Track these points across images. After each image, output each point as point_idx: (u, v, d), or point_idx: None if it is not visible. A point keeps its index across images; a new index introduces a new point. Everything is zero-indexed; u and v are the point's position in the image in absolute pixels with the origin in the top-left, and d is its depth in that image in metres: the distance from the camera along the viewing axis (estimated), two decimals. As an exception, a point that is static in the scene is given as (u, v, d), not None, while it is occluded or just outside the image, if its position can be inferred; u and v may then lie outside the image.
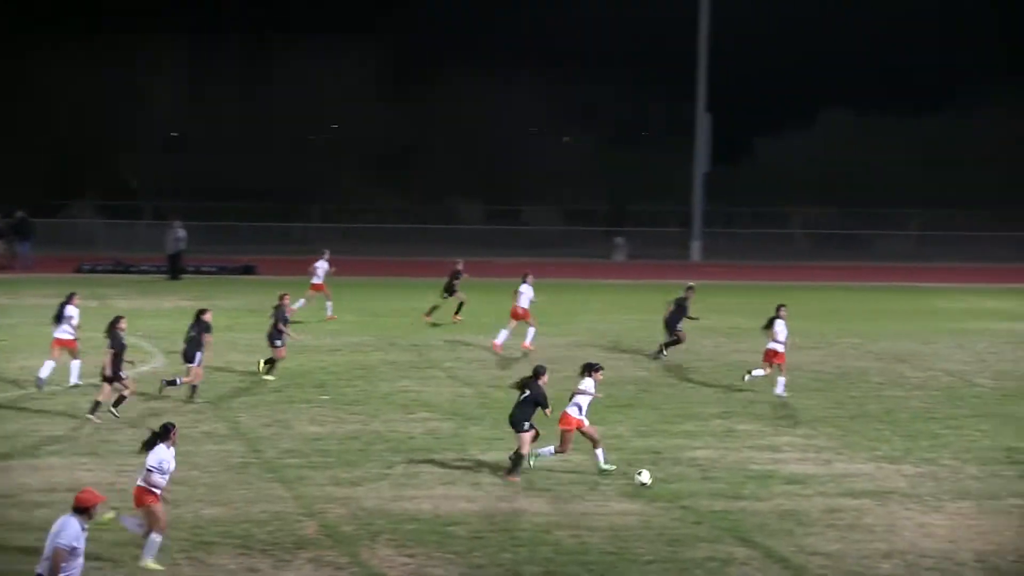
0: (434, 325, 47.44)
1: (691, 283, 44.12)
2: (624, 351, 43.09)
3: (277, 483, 25.72)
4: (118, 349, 30.77)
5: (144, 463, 20.67)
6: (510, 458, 26.50)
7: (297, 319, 44.28)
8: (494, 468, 26.85)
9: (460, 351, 42.08)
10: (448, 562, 21.13)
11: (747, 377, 36.32)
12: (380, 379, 36.84)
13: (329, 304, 48.76)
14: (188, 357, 33.16)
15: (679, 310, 42.06)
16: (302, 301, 47.68)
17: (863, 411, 34.01)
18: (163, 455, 20.52)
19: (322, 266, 48.94)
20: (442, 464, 27.21)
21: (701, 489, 25.73)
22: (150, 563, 20.42)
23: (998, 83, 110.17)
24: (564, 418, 26.52)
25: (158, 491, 20.49)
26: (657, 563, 21.15)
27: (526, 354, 41.20)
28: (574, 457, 28.00)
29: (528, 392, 26.55)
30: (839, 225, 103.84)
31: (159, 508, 20.49)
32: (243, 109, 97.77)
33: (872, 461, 28.41)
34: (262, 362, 36.91)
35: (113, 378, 30.66)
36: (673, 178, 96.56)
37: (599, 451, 26.60)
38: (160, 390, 33.18)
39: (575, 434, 26.45)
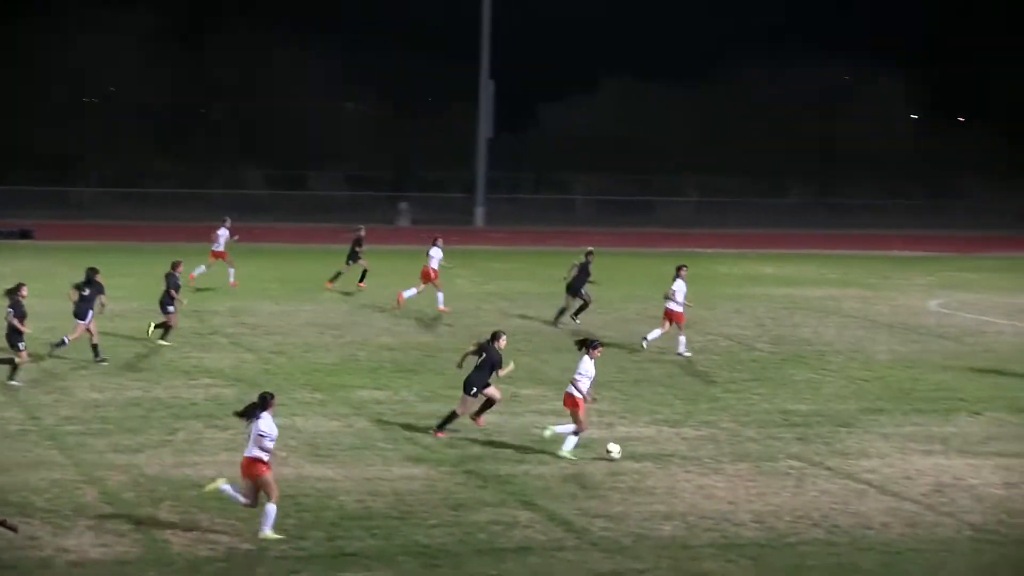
0: (346, 294, 47.66)
1: (590, 248, 44.32)
2: (408, 316, 43.04)
3: (56, 450, 25.21)
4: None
5: (251, 434, 20.56)
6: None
7: (203, 286, 45.43)
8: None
9: (243, 317, 41.67)
10: (232, 528, 20.91)
11: (645, 343, 37.24)
12: (162, 345, 36.27)
13: (232, 271, 48.41)
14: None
15: (582, 273, 42.30)
16: (202, 268, 47.83)
17: (645, 375, 34.44)
18: (270, 422, 20.60)
19: (223, 233, 48.51)
20: (225, 430, 26.90)
21: (485, 453, 25.82)
22: (270, 534, 20.49)
23: (772, 52, 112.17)
24: (568, 399, 26.11)
25: (268, 459, 20.52)
26: (441, 527, 21.19)
27: (439, 316, 42.46)
28: (358, 423, 27.93)
29: (485, 355, 26.78)
30: (621, 191, 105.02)
31: (271, 477, 20.55)
32: (17, 72, 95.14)
33: (654, 424, 28.79)
34: (152, 326, 36.63)
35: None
36: (457, 144, 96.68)
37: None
38: None
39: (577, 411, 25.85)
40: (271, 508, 20.56)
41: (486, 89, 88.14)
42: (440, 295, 43.86)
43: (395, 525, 21.31)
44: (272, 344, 37.22)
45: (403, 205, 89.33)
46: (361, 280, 48.74)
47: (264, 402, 20.90)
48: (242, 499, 20.96)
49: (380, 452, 25.73)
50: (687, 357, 36.41)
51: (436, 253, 44.00)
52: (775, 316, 45.79)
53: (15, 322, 30.87)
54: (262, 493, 20.61)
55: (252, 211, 77.69)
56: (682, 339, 37.06)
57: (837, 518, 22.22)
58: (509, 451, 26.03)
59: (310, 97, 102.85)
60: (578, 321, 42.06)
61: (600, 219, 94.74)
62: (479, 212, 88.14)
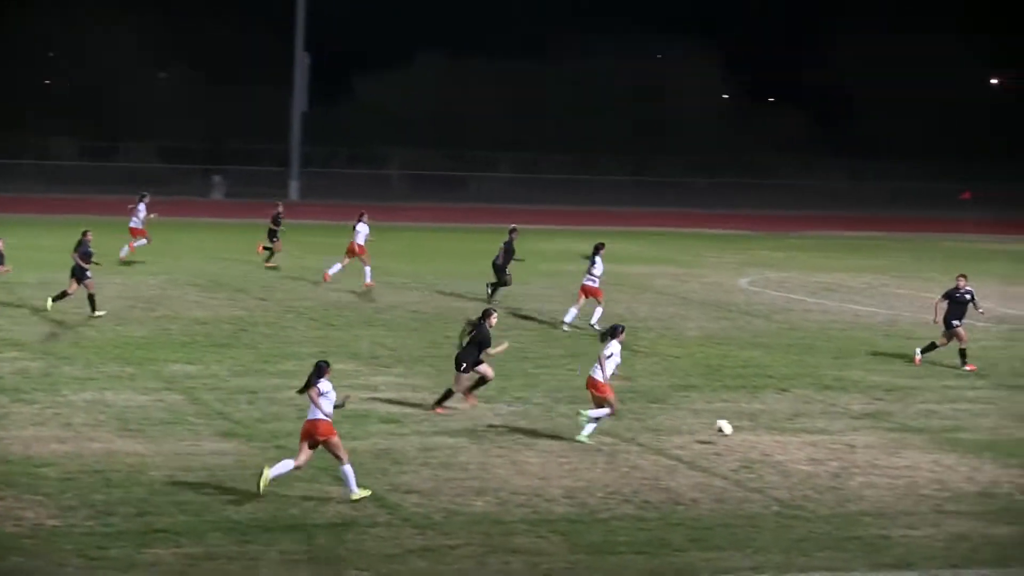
0: (273, 268, 48.41)
1: (513, 225, 44.69)
2: (221, 290, 42.59)
3: None
4: None
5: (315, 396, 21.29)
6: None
7: (137, 259, 47.77)
8: (87, 409, 26.18)
9: (52, 289, 40.85)
10: (38, 504, 20.50)
11: (566, 326, 37.77)
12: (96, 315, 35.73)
13: (141, 243, 49.08)
14: None
15: (508, 252, 42.45)
16: (126, 249, 48.84)
17: (459, 351, 34.43)
18: (329, 386, 21.51)
19: (142, 209, 48.92)
20: (32, 404, 26.37)
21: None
22: (359, 492, 21.19)
23: (588, 29, 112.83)
24: (591, 382, 25.79)
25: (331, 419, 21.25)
26: (252, 502, 20.96)
27: (369, 292, 43.08)
28: (169, 397, 27.56)
29: (474, 332, 27.03)
30: (436, 166, 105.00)
31: (337, 438, 21.25)
32: None
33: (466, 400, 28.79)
34: (50, 301, 37.03)
35: None
36: (272, 117, 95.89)
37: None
38: None
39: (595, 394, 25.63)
40: (348, 470, 21.18)
41: (301, 62, 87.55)
42: (368, 269, 44.44)
43: (206, 501, 21.06)
44: (82, 317, 36.56)
45: (217, 178, 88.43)
46: (269, 260, 49.75)
47: (320, 371, 21.54)
48: (291, 465, 21.32)
49: (191, 427, 25.41)
50: (599, 331, 36.62)
51: (362, 228, 44.81)
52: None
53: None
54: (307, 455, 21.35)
55: (63, 182, 76.30)
56: (598, 310, 38.02)
57: (648, 494, 22.43)
58: (322, 426, 25.83)
59: (123, 66, 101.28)
60: (496, 298, 42.12)
61: (415, 194, 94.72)
62: (293, 186, 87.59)
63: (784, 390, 31.16)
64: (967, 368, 34.19)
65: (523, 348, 35.17)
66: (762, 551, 19.84)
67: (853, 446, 25.92)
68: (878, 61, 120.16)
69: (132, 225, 48.85)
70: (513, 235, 43.21)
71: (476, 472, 23.27)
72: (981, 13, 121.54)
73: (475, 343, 27.43)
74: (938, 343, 34.86)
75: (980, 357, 36.13)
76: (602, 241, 39.95)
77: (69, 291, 36.93)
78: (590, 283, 38.31)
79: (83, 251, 36.88)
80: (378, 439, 25.16)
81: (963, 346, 34.60)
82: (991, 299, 48.12)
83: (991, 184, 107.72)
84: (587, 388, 25.96)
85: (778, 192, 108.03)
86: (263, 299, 41.47)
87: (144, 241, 48.90)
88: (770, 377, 32.56)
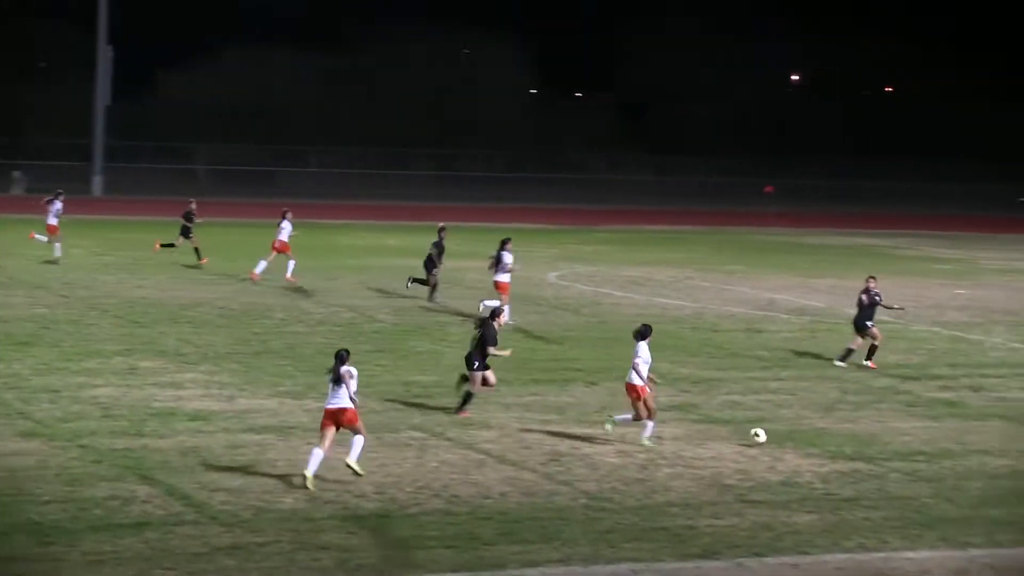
0: (193, 266, 48.64)
1: (442, 224, 45.63)
2: (20, 287, 41.77)
3: None
4: None
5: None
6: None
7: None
8: None
9: None
10: None
11: (481, 308, 37.96)
12: None
13: (57, 245, 49.18)
14: None
15: (438, 250, 43.17)
16: (43, 238, 49.62)
17: (266, 347, 34.22)
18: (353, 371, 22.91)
19: (56, 207, 49.54)
20: None
21: (102, 427, 25.24)
22: (355, 464, 22.40)
23: (390, 22, 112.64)
24: (629, 387, 25.70)
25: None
26: (55, 503, 20.61)
27: (300, 287, 43.45)
28: (-32, 397, 26.98)
29: (481, 332, 27.17)
30: (243, 161, 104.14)
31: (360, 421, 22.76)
32: None
33: (275, 397, 28.62)
34: None
35: None
36: (74, 111, 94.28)
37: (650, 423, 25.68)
38: None
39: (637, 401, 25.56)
40: (362, 439, 22.58)
41: (104, 55, 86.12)
42: (291, 263, 45.51)
43: (6, 502, 20.64)
44: None
45: (17, 173, 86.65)
46: (200, 257, 50.18)
47: (342, 359, 22.88)
48: (322, 455, 22.21)
49: (-12, 428, 24.88)
50: (513, 324, 37.89)
51: (286, 226, 46.08)
52: (398, 287, 46.05)
53: None
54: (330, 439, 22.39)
55: None
56: (507, 308, 38.31)
57: (457, 488, 22.47)
58: (126, 424, 25.50)
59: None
60: (408, 286, 43.65)
61: (222, 189, 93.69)
62: (96, 181, 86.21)
63: (593, 383, 31.43)
64: (870, 365, 34.45)
65: (331, 344, 34.94)
66: (570, 543, 19.99)
67: (660, 438, 26.22)
68: (685, 57, 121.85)
69: (49, 222, 49.41)
70: (442, 234, 43.85)
71: (285, 469, 23.11)
72: (785, 12, 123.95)
73: (481, 342, 27.59)
74: (853, 346, 35.00)
75: (781, 348, 36.84)
76: (508, 236, 41.48)
77: None
78: (502, 279, 39.52)
79: None
80: (185, 437, 24.86)
81: (876, 343, 34.83)
82: (793, 291, 49.10)
83: (793, 178, 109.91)
84: (627, 394, 25.86)
85: (586, 186, 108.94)
86: (65, 296, 40.76)
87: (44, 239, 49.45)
88: (579, 371, 32.82)
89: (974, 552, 20.31)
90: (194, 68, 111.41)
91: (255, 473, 22.78)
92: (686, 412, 28.72)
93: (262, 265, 45.74)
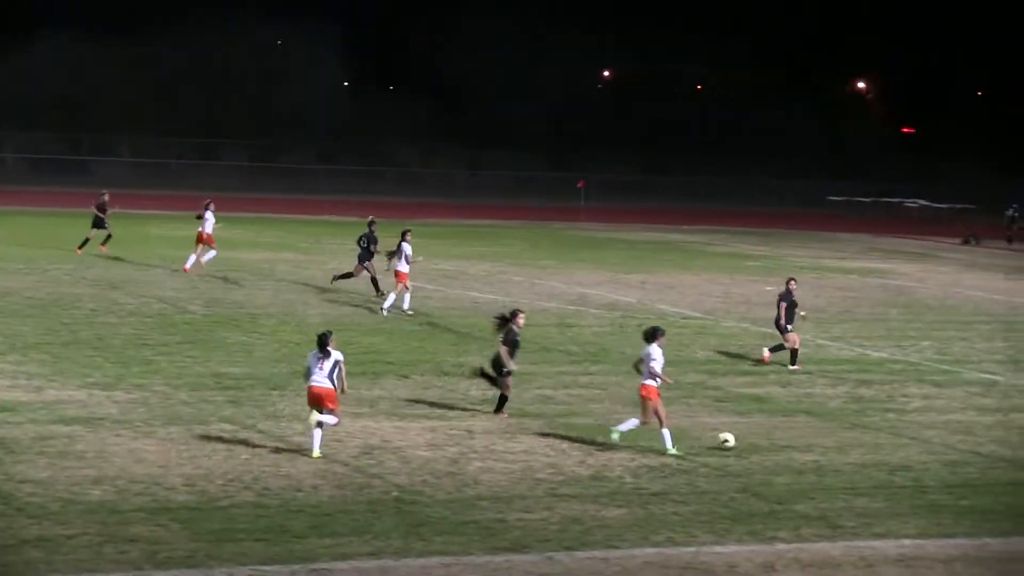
0: (115, 258, 48.22)
1: (371, 217, 45.39)
2: None
3: None
4: None
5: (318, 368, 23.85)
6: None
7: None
8: None
9: None
10: None
11: (385, 312, 38.83)
12: None
13: None
14: None
15: (369, 242, 42.93)
16: None
17: (76, 338, 33.70)
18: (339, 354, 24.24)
19: None
20: None
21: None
22: (317, 453, 23.66)
23: (210, 11, 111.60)
24: (643, 388, 25.59)
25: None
26: None
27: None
28: None
29: (503, 333, 27.73)
30: (55, 150, 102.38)
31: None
32: None
33: (84, 388, 28.20)
34: None
35: None
36: None
37: (665, 431, 25.54)
38: None
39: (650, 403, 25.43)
40: (334, 420, 23.89)
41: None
42: (210, 255, 46.80)
43: None
44: None
45: None
46: (104, 243, 50.03)
47: (325, 340, 24.16)
48: (335, 420, 23.96)
49: None
50: (411, 314, 38.69)
51: (210, 217, 46.62)
52: (209, 279, 45.64)
53: None
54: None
55: None
56: (407, 297, 40.09)
57: (268, 480, 22.36)
58: (-70, 416, 24.95)
59: None
60: (332, 284, 44.06)
61: (33, 178, 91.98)
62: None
63: (404, 376, 31.45)
64: (796, 367, 35.01)
65: (141, 334, 34.62)
66: (381, 536, 20.00)
67: (471, 431, 26.35)
68: (498, 51, 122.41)
69: None
70: (372, 227, 43.70)
71: (93, 461, 22.80)
72: (599, 8, 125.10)
73: (504, 343, 27.70)
74: (786, 345, 35.34)
75: (593, 343, 37.20)
76: (407, 228, 42.31)
77: None
78: (403, 269, 40.38)
79: None
80: (-10, 428, 24.41)
81: (796, 347, 35.32)
82: (604, 286, 49.59)
83: (605, 173, 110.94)
84: (640, 396, 25.76)
85: (400, 179, 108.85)
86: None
87: None
88: (390, 363, 32.82)
89: (780, 546, 20.69)
90: (5, 55, 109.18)
91: (63, 465, 22.44)
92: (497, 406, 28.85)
93: (191, 259, 46.36)
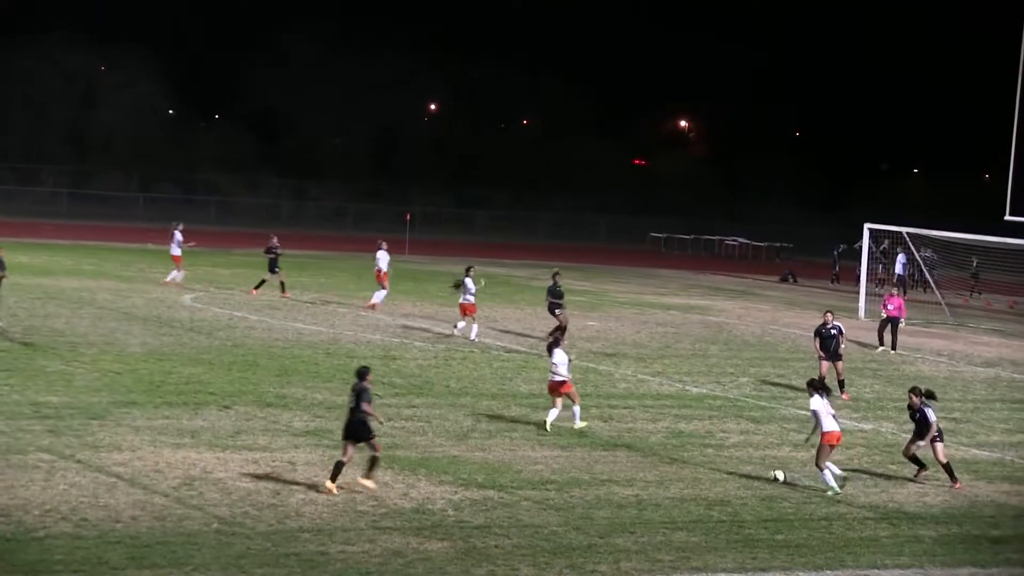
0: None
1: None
2: None
3: None
4: None
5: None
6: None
7: None
8: None
9: None
10: None
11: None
12: None
13: None
14: None
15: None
16: None
17: None
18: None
19: None
20: None
21: None
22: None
23: (32, 37, 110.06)
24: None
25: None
26: None
27: None
28: None
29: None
30: None
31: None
32: None
33: None
34: None
35: None
36: None
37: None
38: None
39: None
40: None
41: None
42: None
43: None
44: None
45: None
46: (284, 291, 53.13)
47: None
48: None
49: None
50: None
51: None
52: (28, 306, 44.88)
53: None
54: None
55: None
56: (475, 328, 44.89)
57: (86, 511, 22.03)
58: None
59: None
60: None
61: None
62: None
63: (227, 407, 31.19)
64: (844, 397, 37.53)
65: (-44, 362, 33.91)
66: (201, 568, 19.80)
67: (294, 463, 26.21)
68: (324, 82, 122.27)
69: None
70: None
71: (-98, 492, 22.27)
72: (421, 39, 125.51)
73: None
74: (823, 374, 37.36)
75: (417, 376, 37.21)
76: (470, 264, 47.12)
77: None
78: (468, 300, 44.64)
79: None
80: None
81: (840, 377, 38.38)
82: (429, 319, 49.64)
83: (428, 206, 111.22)
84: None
85: (223, 208, 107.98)
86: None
87: None
88: (212, 394, 32.53)
89: (600, 579, 20.90)
90: None
91: None
92: (321, 438, 28.75)
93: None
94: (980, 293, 73.72)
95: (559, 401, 31.45)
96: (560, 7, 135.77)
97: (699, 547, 22.84)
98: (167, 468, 25.13)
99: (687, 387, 38.78)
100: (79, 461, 25.17)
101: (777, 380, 41.35)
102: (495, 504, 24.47)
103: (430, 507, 23.99)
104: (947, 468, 28.36)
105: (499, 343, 44.93)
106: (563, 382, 31.41)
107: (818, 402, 27.35)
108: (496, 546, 22.01)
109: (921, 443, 28.43)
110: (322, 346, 41.58)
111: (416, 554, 21.30)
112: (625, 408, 34.84)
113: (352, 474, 24.79)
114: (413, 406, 33.16)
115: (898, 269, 72.13)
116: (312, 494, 24.15)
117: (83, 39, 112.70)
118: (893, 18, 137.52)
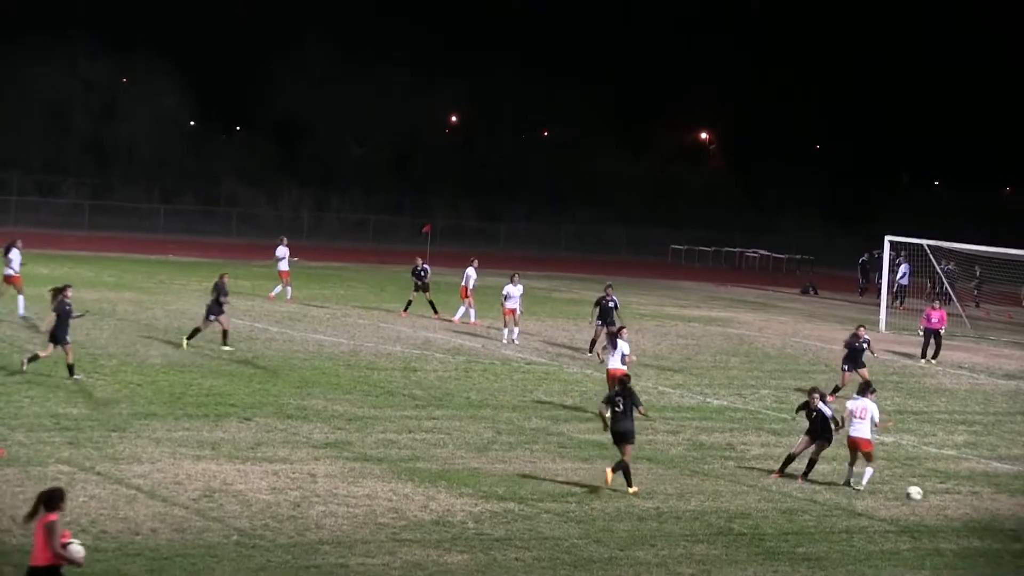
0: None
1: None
2: None
3: None
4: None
5: None
6: None
7: None
8: None
9: None
10: None
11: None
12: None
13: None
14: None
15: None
16: None
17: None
18: None
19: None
20: None
21: None
22: None
23: (51, 45, 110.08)
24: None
25: None
26: None
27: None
28: None
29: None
30: None
31: None
32: None
33: (-84, 427, 27.59)
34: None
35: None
36: None
37: None
38: None
39: None
40: None
41: None
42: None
43: None
44: None
45: None
46: (435, 310, 53.44)
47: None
48: None
49: None
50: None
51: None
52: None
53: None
54: None
55: None
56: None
57: (106, 523, 22.03)
58: None
59: None
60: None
61: None
62: None
63: (247, 419, 31.18)
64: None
65: (-23, 373, 33.95)
66: (222, 581, 19.80)
67: (314, 475, 26.18)
68: (343, 94, 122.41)
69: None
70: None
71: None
72: (440, 47, 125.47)
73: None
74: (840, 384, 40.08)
75: (438, 387, 37.16)
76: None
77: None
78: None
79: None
80: None
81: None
82: (449, 331, 49.59)
83: (451, 218, 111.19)
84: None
85: (244, 221, 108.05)
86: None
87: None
88: (233, 406, 32.52)
89: (620, 591, 20.85)
90: None
91: None
92: (341, 450, 28.72)
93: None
94: (978, 305, 73.44)
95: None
96: (582, 15, 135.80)
97: (720, 560, 22.77)
98: (187, 480, 25.13)
99: (708, 399, 38.69)
100: (99, 473, 25.18)
101: (798, 392, 41.21)
102: (515, 516, 24.42)
103: (450, 519, 23.95)
104: (791, 460, 28.87)
105: (520, 355, 44.87)
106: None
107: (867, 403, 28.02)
108: (516, 559, 21.97)
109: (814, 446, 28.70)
110: (342, 358, 41.56)
111: (436, 566, 21.26)
112: (647, 420, 34.72)
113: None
114: (433, 418, 33.12)
115: (901, 279, 71.85)
116: (332, 506, 24.13)
117: (104, 49, 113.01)
118: (916, 29, 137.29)
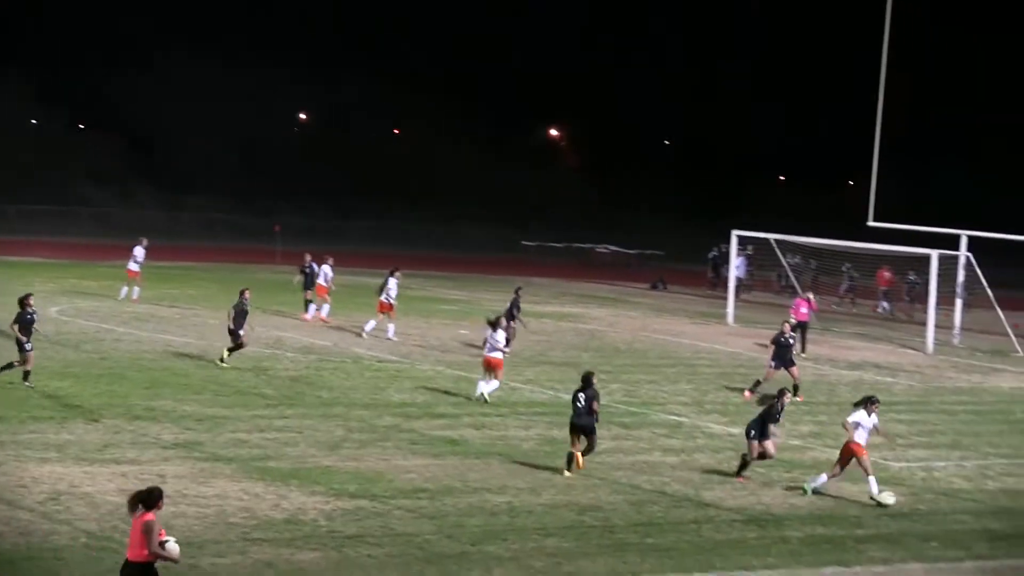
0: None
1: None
2: None
3: None
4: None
5: None
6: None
7: None
8: None
9: None
10: None
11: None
12: None
13: None
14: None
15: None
16: None
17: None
18: None
19: None
20: None
21: None
22: None
23: None
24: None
25: None
26: None
27: None
28: None
29: (765, 405, 31.05)
30: None
31: None
32: None
33: None
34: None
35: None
36: None
37: None
38: None
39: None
40: None
41: None
42: None
43: None
44: None
45: None
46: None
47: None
48: None
49: None
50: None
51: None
52: None
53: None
54: None
55: None
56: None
57: (-50, 529, 21.70)
58: None
59: None
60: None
61: None
62: None
63: (94, 420, 30.85)
64: (798, 399, 39.26)
65: None
66: (69, 584, 19.59)
67: (163, 476, 25.97)
68: (193, 93, 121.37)
69: None
70: (519, 293, 49.82)
71: None
72: (294, 52, 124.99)
73: (762, 416, 28.70)
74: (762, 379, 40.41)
75: (289, 386, 36.99)
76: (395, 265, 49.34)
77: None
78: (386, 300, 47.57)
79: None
80: None
81: (796, 382, 40.26)
82: (300, 330, 49.39)
83: (300, 217, 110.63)
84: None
85: (92, 220, 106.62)
86: None
87: None
88: (79, 407, 32.16)
89: (472, 586, 20.94)
90: None
91: None
92: (191, 450, 28.53)
93: None
94: (854, 301, 74.37)
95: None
96: (433, 15, 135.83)
97: (571, 552, 22.96)
98: (32, 483, 24.82)
99: (559, 394, 38.90)
100: (-56, 477, 24.81)
101: (647, 386, 41.66)
102: (368, 513, 24.43)
103: (302, 517, 23.90)
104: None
105: (371, 352, 44.82)
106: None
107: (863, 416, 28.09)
108: (368, 555, 21.98)
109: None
110: (192, 358, 41.25)
111: (288, 565, 21.21)
112: (498, 416, 34.90)
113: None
114: (285, 417, 33.00)
115: (737, 272, 72.28)
116: (182, 506, 23.95)
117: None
118: (762, 26, 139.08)
